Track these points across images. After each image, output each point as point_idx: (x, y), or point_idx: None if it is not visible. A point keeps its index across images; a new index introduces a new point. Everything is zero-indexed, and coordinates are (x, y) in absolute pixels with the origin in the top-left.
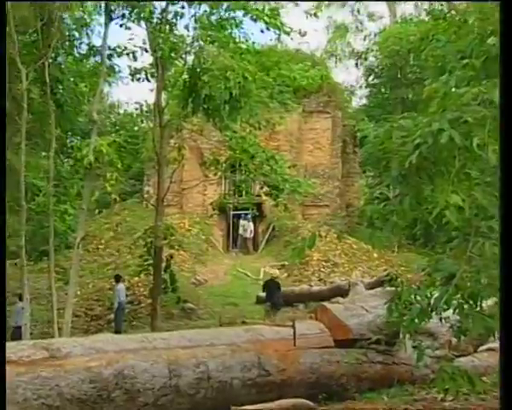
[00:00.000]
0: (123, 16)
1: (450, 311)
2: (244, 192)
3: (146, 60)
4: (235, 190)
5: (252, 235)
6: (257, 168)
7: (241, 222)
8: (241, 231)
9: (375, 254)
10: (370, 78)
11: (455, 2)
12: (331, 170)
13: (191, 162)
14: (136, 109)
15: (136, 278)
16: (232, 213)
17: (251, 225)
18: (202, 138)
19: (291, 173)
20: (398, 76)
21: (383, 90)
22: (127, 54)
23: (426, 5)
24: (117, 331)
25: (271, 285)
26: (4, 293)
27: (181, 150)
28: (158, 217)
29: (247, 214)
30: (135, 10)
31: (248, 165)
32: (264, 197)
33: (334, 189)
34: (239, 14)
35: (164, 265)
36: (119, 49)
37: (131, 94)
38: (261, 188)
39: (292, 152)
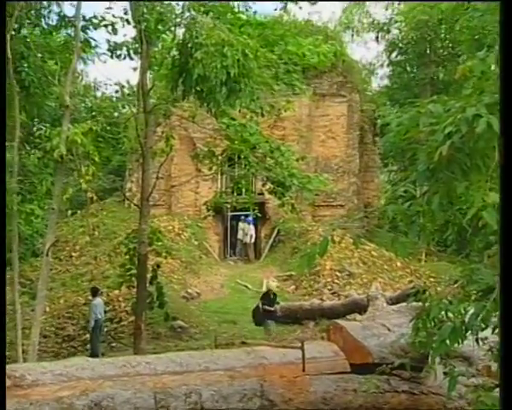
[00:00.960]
0: None
1: (489, 330)
2: (244, 190)
3: (128, 33)
4: (233, 188)
5: (253, 240)
6: (259, 161)
7: (241, 225)
8: (240, 235)
9: (399, 263)
10: (393, 54)
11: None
12: (347, 163)
13: (182, 155)
14: (117, 92)
15: (117, 292)
16: (230, 214)
17: (252, 228)
18: (194, 126)
19: (299, 167)
20: (427, 52)
21: (409, 68)
22: (105, 26)
23: None
24: (93, 355)
25: (267, 299)
26: (4, 294)
27: (169, 140)
28: (142, 219)
29: (247, 216)
30: None
31: (249, 157)
32: (267, 196)
33: (349, 186)
34: None
35: (149, 275)
36: (95, 21)
37: (111, 74)
38: (264, 185)
39: (300, 142)
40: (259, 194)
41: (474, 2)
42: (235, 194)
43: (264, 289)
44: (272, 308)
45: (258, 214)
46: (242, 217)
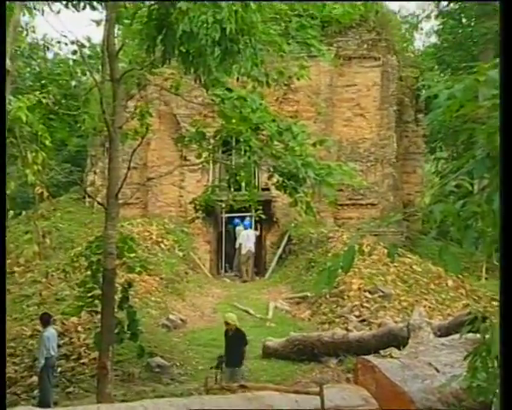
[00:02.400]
0: None
1: None
2: (244, 184)
3: None
4: (229, 181)
5: (255, 250)
6: (264, 146)
7: (240, 230)
8: (238, 243)
9: (450, 282)
10: (444, 2)
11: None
12: (380, 149)
13: (162, 137)
14: (74, 53)
15: (75, 319)
16: (225, 216)
17: (254, 235)
18: (178, 100)
19: (317, 154)
20: None
21: (465, 20)
22: None
23: None
24: (42, 404)
25: (233, 340)
26: (4, 296)
27: (145, 118)
28: (109, 222)
29: (245, 218)
30: None
31: (250, 141)
32: (274, 192)
33: (384, 178)
34: None
35: (118, 297)
36: None
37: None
38: (270, 177)
39: (319, 121)
40: (264, 189)
41: (474, 2)
42: (232, 189)
43: (269, 315)
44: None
45: (263, 216)
46: (241, 220)
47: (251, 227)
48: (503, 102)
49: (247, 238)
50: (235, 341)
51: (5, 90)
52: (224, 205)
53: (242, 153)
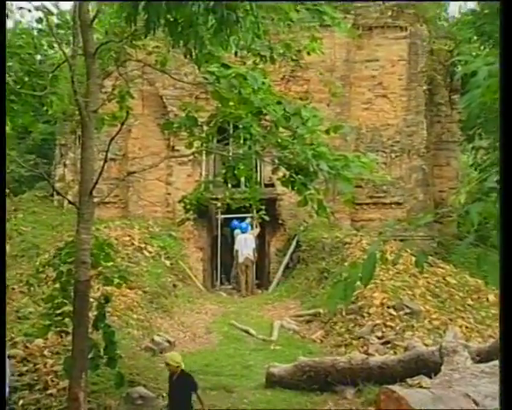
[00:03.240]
0: None
1: None
2: (243, 179)
3: None
4: (226, 176)
5: (256, 257)
6: (267, 134)
7: (238, 234)
8: (235, 250)
9: (492, 296)
10: None
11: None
12: (407, 137)
13: (145, 123)
14: (40, 21)
15: (41, 341)
16: (221, 217)
17: (253, 239)
18: (165, 79)
19: (331, 143)
20: None
21: None
22: None
23: None
24: None
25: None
26: (5, 293)
27: (125, 100)
28: (82, 225)
29: (244, 219)
30: None
31: (251, 128)
32: (280, 189)
33: (411, 172)
34: None
35: (93, 315)
36: None
37: None
38: (275, 171)
39: (333, 104)
40: (268, 185)
41: (474, 2)
42: (230, 185)
43: (274, 336)
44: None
45: (266, 218)
46: (240, 222)
47: (252, 229)
48: (503, 101)
49: (244, 243)
50: (181, 387)
51: (5, 90)
52: (219, 204)
53: (242, 142)
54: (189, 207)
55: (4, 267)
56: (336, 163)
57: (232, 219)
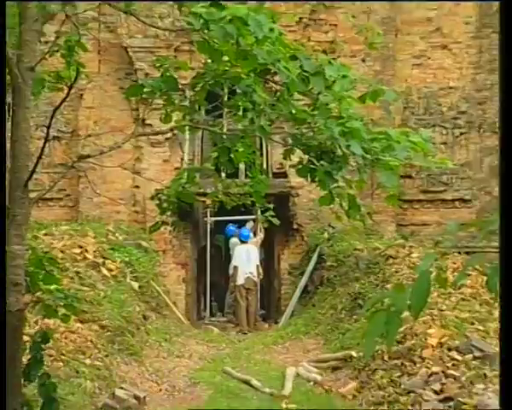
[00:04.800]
0: None
1: None
2: (244, 167)
3: None
4: (218, 162)
5: (261, 277)
6: (277, 102)
7: (235, 244)
8: (233, 266)
9: None
10: None
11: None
12: (477, 106)
13: (103, 87)
14: None
15: None
16: (211, 220)
17: (257, 251)
18: (132, 23)
19: (368, 115)
20: None
21: None
22: None
23: None
24: None
25: None
26: (5, 291)
27: (74, 54)
28: (13, 232)
29: (244, 224)
30: None
31: (254, 93)
32: (294, 179)
33: (483, 156)
34: None
35: (27, 360)
36: None
37: None
38: (288, 154)
39: (371, 59)
40: (277, 175)
41: (474, 2)
42: (224, 175)
43: (287, 389)
44: None
45: (275, 221)
46: (238, 227)
47: (255, 236)
48: (504, 102)
49: (245, 258)
50: None
51: (5, 88)
52: (209, 202)
53: (240, 113)
54: (165, 205)
55: (5, 265)
56: (375, 144)
57: (227, 222)
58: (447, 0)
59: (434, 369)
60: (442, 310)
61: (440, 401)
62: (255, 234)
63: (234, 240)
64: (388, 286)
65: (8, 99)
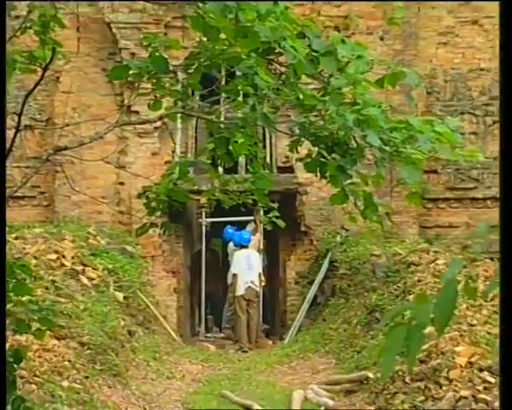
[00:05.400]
0: None
1: None
2: (243, 160)
3: None
4: (215, 156)
5: (264, 286)
6: (282, 86)
7: (235, 250)
8: (232, 274)
9: None
10: None
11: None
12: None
13: (83, 69)
14: None
15: None
16: (207, 221)
17: (259, 258)
18: None
19: (386, 101)
20: None
21: None
22: None
23: None
24: None
25: None
26: (4, 294)
27: (49, 31)
28: None
29: (245, 226)
30: None
31: (256, 76)
32: (302, 175)
33: None
34: None
35: None
36: None
37: None
38: (294, 146)
39: (390, 36)
40: (282, 169)
41: (474, 2)
42: (221, 170)
43: None
44: None
45: (280, 223)
46: (237, 229)
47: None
48: (503, 103)
49: (246, 265)
50: None
51: (5, 89)
52: (204, 201)
53: (240, 99)
54: (154, 205)
55: (4, 266)
56: (394, 134)
57: (225, 224)
58: (451, 0)
59: (463, 393)
60: (472, 325)
61: None
62: (249, 242)
63: (233, 245)
64: (410, 297)
65: None
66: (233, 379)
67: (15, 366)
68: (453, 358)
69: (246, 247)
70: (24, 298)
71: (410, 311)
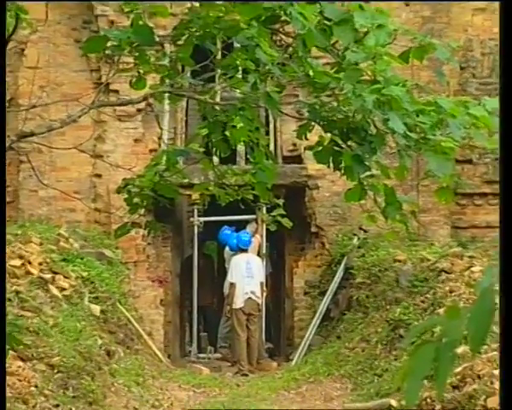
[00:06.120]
0: None
1: None
2: (244, 150)
3: None
4: (209, 143)
5: (267, 296)
6: (289, 61)
7: (232, 255)
8: (229, 283)
9: None
10: None
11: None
12: None
13: (53, 39)
14: None
15: None
16: (199, 221)
17: (260, 263)
18: None
19: (412, 79)
20: None
21: None
22: None
23: None
24: None
25: None
26: (4, 294)
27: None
28: None
29: (245, 226)
30: None
31: (258, 49)
32: (312, 166)
33: None
34: None
35: None
36: None
37: None
38: (302, 132)
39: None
40: (289, 159)
41: (474, 2)
42: (217, 160)
43: None
44: None
45: (286, 222)
46: (235, 230)
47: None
48: (503, 104)
49: (247, 273)
50: None
51: (5, 84)
52: (196, 196)
53: (239, 76)
54: (137, 201)
55: (4, 268)
56: (422, 118)
57: (221, 224)
58: (449, 0)
59: None
60: (479, 347)
61: None
62: (249, 244)
63: (229, 250)
64: (440, 311)
65: None
66: (231, 407)
67: None
68: (491, 383)
69: (245, 251)
70: None
71: (440, 326)
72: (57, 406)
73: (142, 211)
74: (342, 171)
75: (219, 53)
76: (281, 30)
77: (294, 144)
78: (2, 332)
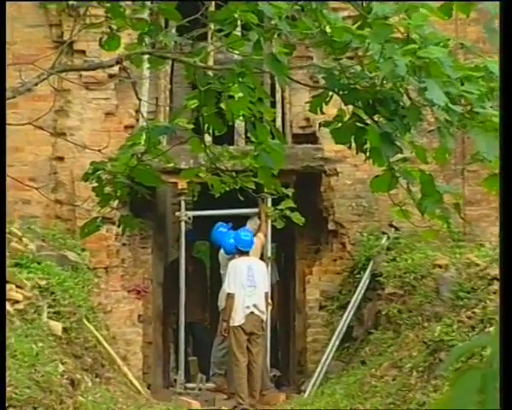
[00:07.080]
0: None
1: None
2: (244, 127)
3: None
4: (200, 118)
5: (271, 309)
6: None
7: (230, 259)
8: (225, 294)
9: None
10: None
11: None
12: None
13: None
14: None
15: None
16: (189, 215)
17: (265, 269)
18: None
19: (455, 39)
20: None
21: None
22: None
23: None
24: None
25: None
26: (5, 294)
27: None
28: None
29: (234, 226)
30: None
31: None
32: (330, 147)
33: None
34: None
35: None
36: None
37: None
38: (317, 106)
39: None
40: (301, 138)
41: (474, 1)
42: (209, 139)
43: None
44: None
45: (297, 218)
46: (232, 228)
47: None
48: (503, 102)
49: (248, 281)
50: None
51: (5, 88)
52: (183, 185)
53: (238, 33)
54: (109, 191)
55: (4, 268)
56: (467, 87)
57: (215, 220)
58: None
59: None
60: None
61: None
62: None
63: (224, 253)
64: (491, 329)
65: None
66: None
67: None
68: None
69: (246, 254)
70: None
71: (491, 348)
72: None
73: (115, 203)
74: (367, 153)
75: (213, 3)
76: None
77: (307, 119)
78: (2, 332)
